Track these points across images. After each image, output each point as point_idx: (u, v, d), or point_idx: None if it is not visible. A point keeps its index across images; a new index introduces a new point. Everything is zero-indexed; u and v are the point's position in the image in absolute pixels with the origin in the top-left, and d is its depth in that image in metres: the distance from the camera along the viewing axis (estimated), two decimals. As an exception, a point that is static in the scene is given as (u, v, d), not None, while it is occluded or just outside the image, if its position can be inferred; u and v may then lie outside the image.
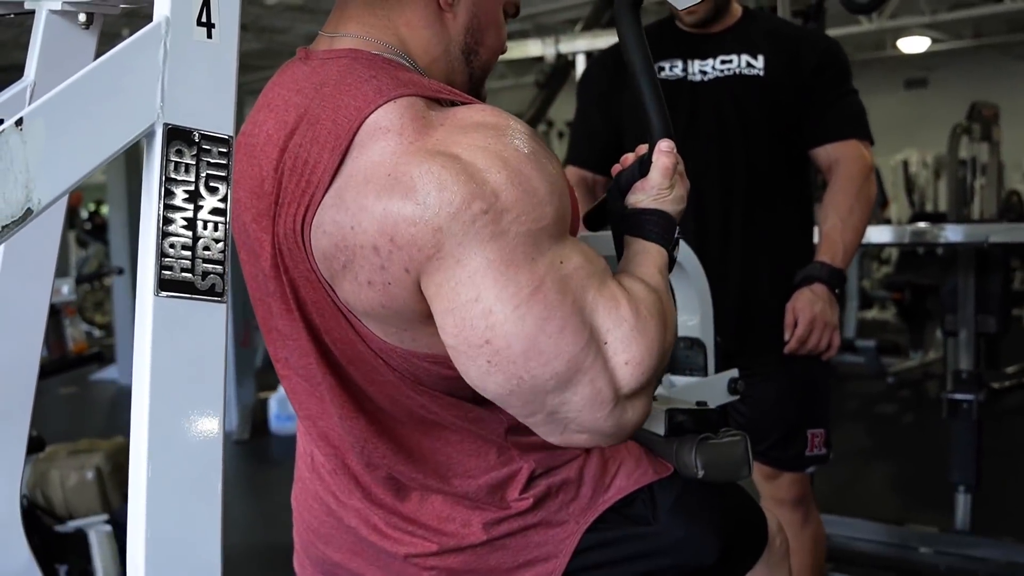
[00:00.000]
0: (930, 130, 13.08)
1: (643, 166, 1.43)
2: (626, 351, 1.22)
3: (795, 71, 2.50)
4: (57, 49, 1.38)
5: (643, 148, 1.46)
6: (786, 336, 2.40)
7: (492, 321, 1.17)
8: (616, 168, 1.49)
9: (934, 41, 14.79)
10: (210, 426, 1.01)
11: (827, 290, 2.40)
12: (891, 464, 5.33)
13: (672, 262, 1.42)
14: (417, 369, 1.31)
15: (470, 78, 1.43)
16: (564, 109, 6.47)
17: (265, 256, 1.32)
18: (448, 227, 1.15)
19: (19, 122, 0.93)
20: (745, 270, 2.52)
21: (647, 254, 1.37)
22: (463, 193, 1.15)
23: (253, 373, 6.36)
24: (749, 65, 2.50)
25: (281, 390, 6.10)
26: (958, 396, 3.59)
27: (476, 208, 1.15)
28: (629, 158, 1.48)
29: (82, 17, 1.36)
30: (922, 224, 3.75)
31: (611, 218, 1.47)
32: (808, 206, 2.69)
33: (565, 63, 5.81)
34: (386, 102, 1.21)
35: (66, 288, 4.30)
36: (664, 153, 1.41)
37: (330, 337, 1.32)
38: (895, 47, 14.82)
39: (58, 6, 1.34)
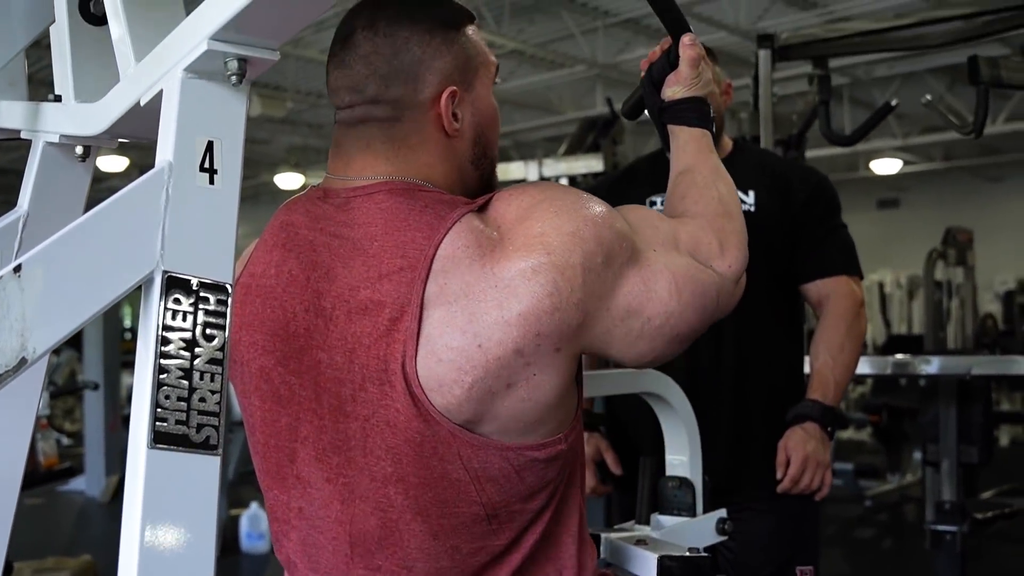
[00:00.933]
0: (903, 249, 13.29)
1: (671, 59, 1.60)
2: (724, 260, 1.44)
3: (785, 206, 2.52)
4: (52, 180, 1.37)
5: (668, 41, 1.62)
6: (779, 475, 2.38)
7: (673, 321, 1.35)
8: (644, 63, 1.67)
9: (906, 163, 15.11)
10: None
11: (819, 429, 2.38)
12: (872, 592, 5.27)
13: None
14: (522, 462, 1.30)
15: (480, 179, 1.47)
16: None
17: (299, 401, 1.32)
18: (585, 294, 1.26)
19: (17, 269, 0.91)
20: (737, 406, 2.50)
21: (695, 140, 1.58)
22: (579, 257, 1.26)
23: (224, 489, 6.25)
24: (740, 201, 2.52)
25: (253, 507, 6.00)
26: (941, 527, 3.56)
27: (598, 263, 1.27)
28: (656, 52, 1.65)
29: (79, 150, 1.35)
30: (903, 356, 3.75)
31: (650, 110, 1.65)
32: (799, 340, 2.69)
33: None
34: (452, 225, 1.26)
35: (40, 402, 4.23)
36: (689, 46, 1.58)
37: (403, 471, 1.29)
38: (868, 168, 15.12)
39: (55, 139, 1.33)
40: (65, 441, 10.00)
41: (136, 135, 1.24)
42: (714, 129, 1.62)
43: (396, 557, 1.31)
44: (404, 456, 1.27)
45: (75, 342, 9.83)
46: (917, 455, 7.38)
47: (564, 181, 5.62)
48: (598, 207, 1.33)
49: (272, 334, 1.33)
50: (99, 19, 1.29)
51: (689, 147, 1.57)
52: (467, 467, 1.27)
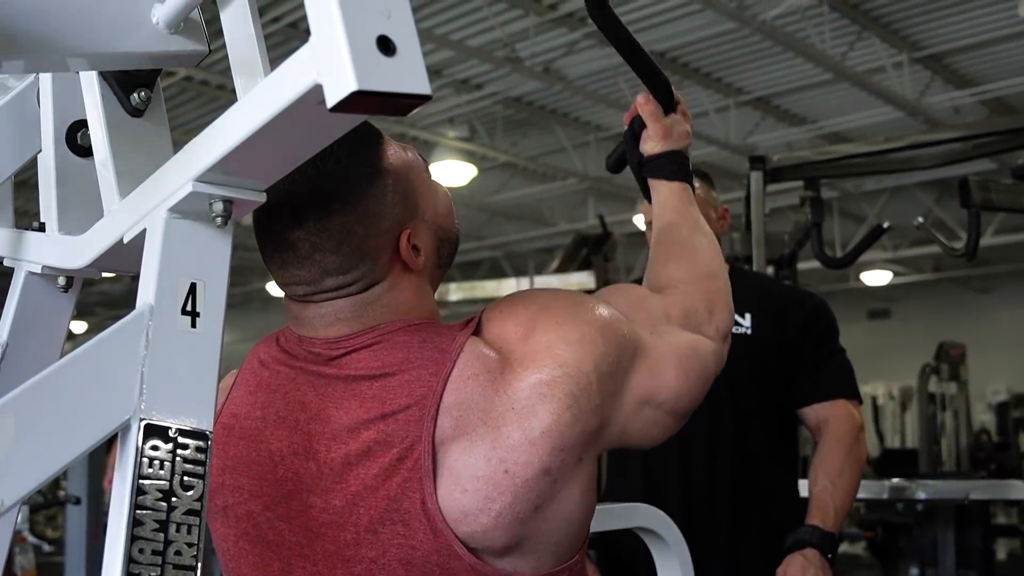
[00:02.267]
0: (895, 360, 13.26)
1: None
2: (711, 324, 1.45)
3: (782, 331, 2.51)
4: (33, 310, 1.34)
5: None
6: None
7: (680, 405, 1.37)
8: (627, 116, 1.68)
9: (896, 274, 15.17)
10: None
11: (819, 555, 2.33)
12: None
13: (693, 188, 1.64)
14: None
15: (440, 267, 1.42)
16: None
17: (292, 545, 1.27)
18: (601, 397, 1.25)
19: (-13, 418, 0.88)
20: (733, 533, 2.46)
21: (675, 195, 1.60)
22: (590, 363, 1.24)
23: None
24: (736, 324, 2.51)
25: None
26: (943, 658, 3.48)
27: (608, 365, 1.25)
28: (640, 103, 1.65)
29: (61, 281, 1.32)
30: (898, 480, 3.70)
31: (631, 165, 1.68)
32: (794, 465, 2.65)
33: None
34: (458, 357, 1.22)
35: (19, 516, 4.15)
36: (642, 104, 1.62)
37: None
38: (859, 280, 15.18)
39: (37, 269, 1.31)
40: (47, 548, 9.84)
41: (119, 269, 1.22)
42: (694, 181, 1.65)
43: None
44: None
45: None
46: (914, 571, 7.27)
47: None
48: (594, 307, 1.32)
49: (259, 478, 1.29)
50: (86, 151, 1.28)
51: (669, 202, 1.59)
52: None
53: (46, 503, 6.57)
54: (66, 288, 1.34)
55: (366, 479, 1.23)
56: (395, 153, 1.34)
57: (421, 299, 1.36)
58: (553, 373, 1.22)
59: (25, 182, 1.42)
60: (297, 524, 1.27)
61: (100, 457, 7.52)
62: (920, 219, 3.48)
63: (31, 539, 5.42)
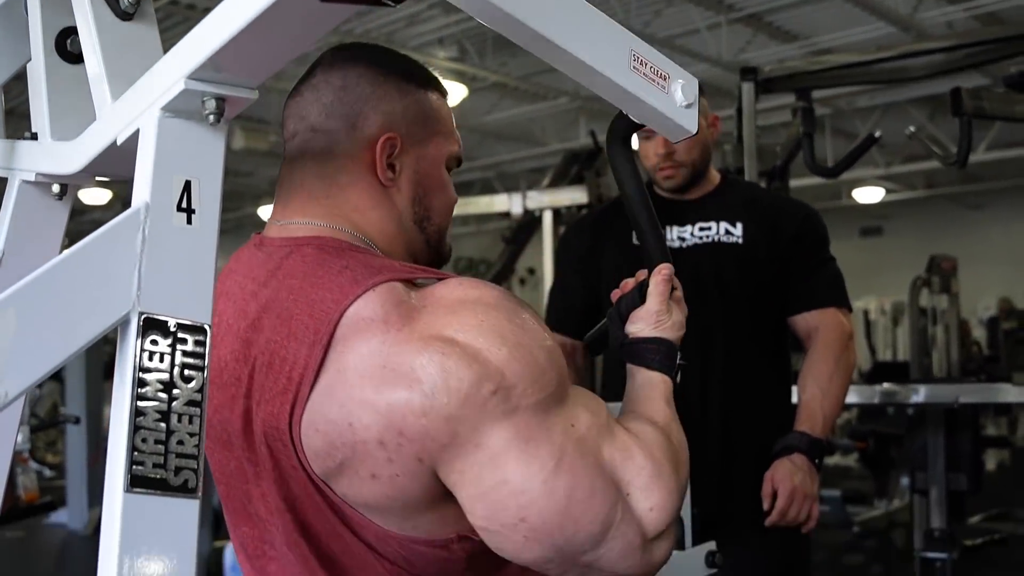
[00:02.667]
0: (887, 276, 13.32)
1: (642, 292, 1.46)
2: (648, 498, 1.22)
3: (774, 240, 2.53)
4: (29, 219, 1.35)
5: (643, 274, 1.49)
6: (765, 506, 2.37)
7: (524, 501, 1.15)
8: (616, 294, 1.51)
9: (888, 191, 15.18)
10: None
11: (807, 461, 2.37)
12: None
13: (676, 387, 1.43)
14: (412, 554, 1.26)
15: (427, 244, 1.42)
16: (524, 257, 6.53)
17: (238, 447, 1.28)
18: (460, 414, 1.14)
19: (-11, 312, 0.89)
20: (725, 438, 2.50)
21: (652, 386, 1.39)
22: (469, 377, 1.14)
23: (208, 520, 6.20)
24: (728, 232, 2.52)
25: (238, 541, 5.93)
26: (931, 555, 3.55)
27: (486, 390, 1.14)
28: (629, 284, 1.50)
29: (56, 188, 1.33)
30: (889, 385, 3.75)
31: (613, 345, 1.49)
32: (786, 372, 2.68)
33: (532, 218, 5.87)
34: (365, 291, 1.19)
35: (20, 437, 4.20)
36: (660, 279, 1.44)
37: (315, 530, 1.27)
38: (851, 197, 15.19)
39: (31, 177, 1.31)
40: (47, 473, 9.93)
41: (113, 173, 1.23)
42: (678, 379, 1.43)
43: None
44: (308, 504, 1.25)
45: (57, 375, 9.79)
46: (904, 481, 7.38)
47: (548, 213, 5.63)
48: (540, 343, 1.20)
49: (211, 382, 1.31)
50: (76, 57, 1.28)
51: (644, 394, 1.38)
52: (362, 539, 1.26)
53: (45, 424, 6.61)
54: (60, 196, 1.35)
55: (266, 391, 1.24)
56: (445, 107, 1.41)
57: (377, 212, 1.35)
58: (431, 358, 1.14)
59: (12, 110, 1.42)
60: (238, 426, 1.29)
61: (98, 379, 7.58)
62: (912, 128, 3.48)
63: (32, 465, 5.48)
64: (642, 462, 1.22)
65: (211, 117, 1.01)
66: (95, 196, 12.54)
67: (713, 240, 2.53)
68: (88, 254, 0.95)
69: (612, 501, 1.19)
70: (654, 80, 1.32)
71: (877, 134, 3.51)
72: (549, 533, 1.16)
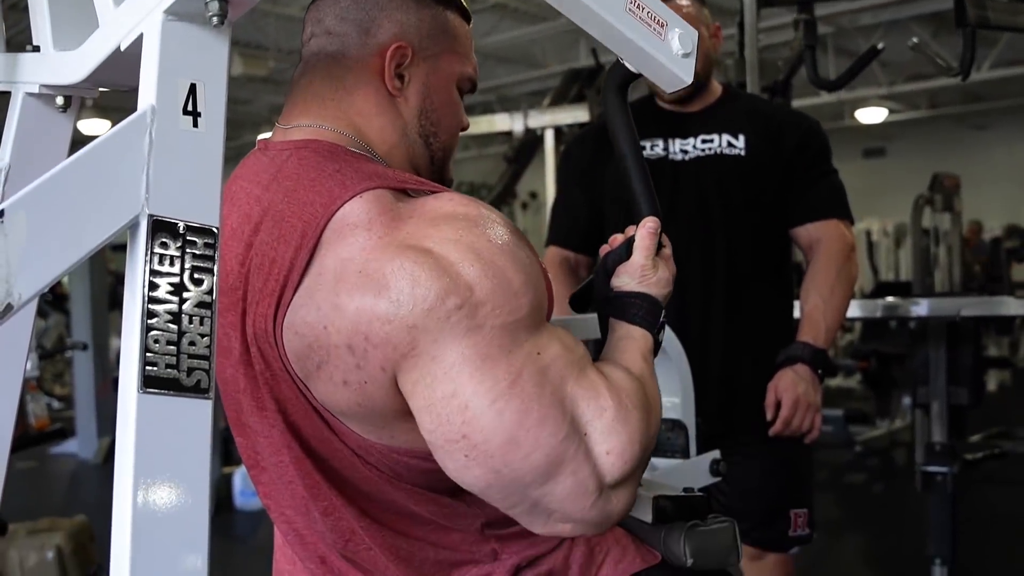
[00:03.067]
0: (889, 198, 13.29)
1: (629, 248, 1.43)
2: (606, 441, 1.19)
3: (776, 151, 2.51)
4: (33, 132, 1.35)
5: (632, 230, 1.45)
6: (768, 415, 2.39)
7: (468, 416, 1.14)
8: (604, 249, 1.47)
9: (891, 112, 15.08)
10: (196, 527, 0.97)
11: (810, 371, 2.38)
12: (865, 536, 5.30)
13: (657, 346, 1.40)
14: (396, 464, 1.28)
15: (431, 160, 1.42)
16: (526, 181, 6.51)
17: (235, 353, 1.30)
18: (423, 324, 1.13)
19: (0, 214, 0.90)
20: (727, 350, 2.50)
21: (631, 339, 1.35)
22: (436, 288, 1.13)
23: (217, 446, 6.27)
24: (730, 144, 2.51)
25: (246, 465, 5.99)
26: (932, 468, 3.58)
27: (451, 304, 1.13)
28: (618, 239, 1.46)
29: (59, 100, 1.33)
30: (892, 298, 3.76)
31: (597, 300, 1.46)
32: (788, 285, 2.69)
33: (533, 137, 5.84)
34: (353, 196, 1.20)
35: (29, 364, 4.22)
36: (646, 233, 1.41)
37: (305, 433, 1.29)
38: (853, 118, 15.10)
39: (35, 89, 1.31)
40: (56, 405, 10.02)
41: (117, 82, 1.23)
42: (661, 337, 1.40)
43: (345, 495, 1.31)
44: (298, 408, 1.27)
45: (62, 306, 9.83)
46: (906, 401, 7.44)
47: (550, 132, 5.60)
48: (520, 267, 1.19)
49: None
50: (76, -36, 1.27)
51: (622, 346, 1.34)
52: (347, 445, 1.28)
53: (53, 351, 6.66)
54: (65, 108, 1.35)
55: (260, 290, 1.25)
56: (464, 30, 1.42)
57: (381, 119, 1.36)
58: (405, 265, 1.14)
59: (11, 40, 1.41)
60: (237, 332, 1.30)
61: (103, 308, 7.60)
62: (915, 39, 3.44)
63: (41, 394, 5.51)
64: (606, 403, 1.20)
65: (214, 19, 1.00)
66: (94, 127, 12.49)
67: (716, 152, 2.52)
68: (95, 158, 0.96)
69: (564, 435, 1.16)
70: (651, 26, 1.32)
71: (880, 46, 3.47)
72: (490, 455, 1.15)
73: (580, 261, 2.63)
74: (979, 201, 12.63)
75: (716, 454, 1.91)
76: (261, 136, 1.41)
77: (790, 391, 2.35)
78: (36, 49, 1.32)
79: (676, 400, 1.89)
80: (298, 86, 1.39)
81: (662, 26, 1.33)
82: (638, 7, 1.29)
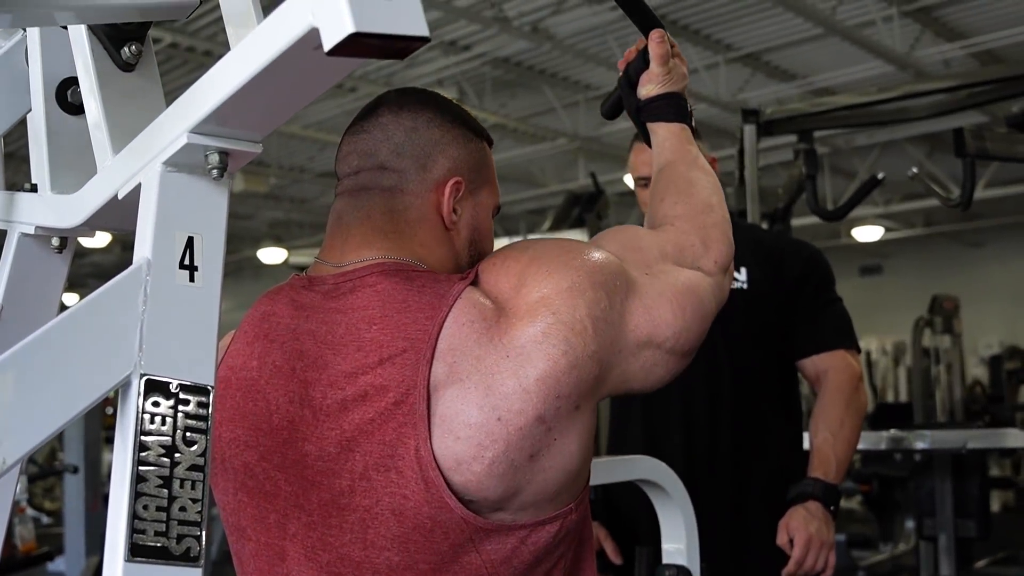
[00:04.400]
0: (887, 316, 13.30)
1: (645, 57, 1.62)
2: (708, 257, 1.44)
3: (779, 282, 2.50)
4: (27, 272, 1.32)
5: (642, 41, 1.63)
6: (785, 552, 2.32)
7: (683, 339, 1.34)
8: (622, 63, 1.67)
9: (887, 230, 15.17)
10: None
11: (822, 508, 2.33)
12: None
13: (693, 131, 1.64)
14: (521, 548, 1.25)
15: None
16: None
17: (287, 495, 1.27)
18: (598, 344, 1.24)
19: (-13, 375, 0.86)
20: (736, 487, 2.45)
21: (674, 135, 1.59)
22: (583, 312, 1.23)
23: (208, 572, 6.11)
24: (733, 279, 2.49)
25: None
26: (941, 603, 3.49)
27: (601, 309, 1.25)
28: (632, 52, 1.65)
29: (55, 241, 1.31)
30: (896, 431, 3.71)
31: (628, 110, 1.67)
32: (796, 417, 2.64)
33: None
34: (454, 302, 1.23)
35: (18, 487, 4.14)
36: (657, 43, 1.60)
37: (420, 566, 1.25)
38: (850, 236, 15.18)
39: (31, 230, 1.29)
40: (45, 520, 9.86)
41: (114, 227, 1.21)
42: (692, 122, 1.64)
43: None
44: (413, 544, 1.22)
45: (56, 421, 9.70)
46: (909, 524, 7.32)
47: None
48: (584, 253, 1.32)
49: (255, 428, 1.29)
50: (77, 108, 1.26)
51: (668, 143, 1.59)
52: (479, 551, 1.23)
53: (43, 473, 6.57)
54: (60, 249, 1.32)
55: (361, 423, 1.22)
56: (489, 150, 1.48)
57: (440, 251, 1.38)
58: (547, 321, 1.22)
59: (13, 154, 1.39)
60: (292, 473, 1.27)
61: (96, 427, 7.52)
62: (915, 169, 3.46)
63: (29, 511, 5.42)
64: (692, 241, 1.43)
65: (214, 171, 0.99)
66: (94, 240, 12.54)
67: None
68: (89, 313, 0.93)
69: (700, 283, 1.40)
70: None
71: (880, 176, 3.49)
72: (697, 335, 1.38)
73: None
74: (976, 319, 12.62)
75: (723, 599, 1.85)
76: (259, 271, 1.39)
77: (802, 530, 2.29)
78: (33, 188, 1.31)
79: (680, 546, 1.84)
80: (349, 219, 1.38)
81: None
82: None
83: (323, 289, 1.33)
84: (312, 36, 0.80)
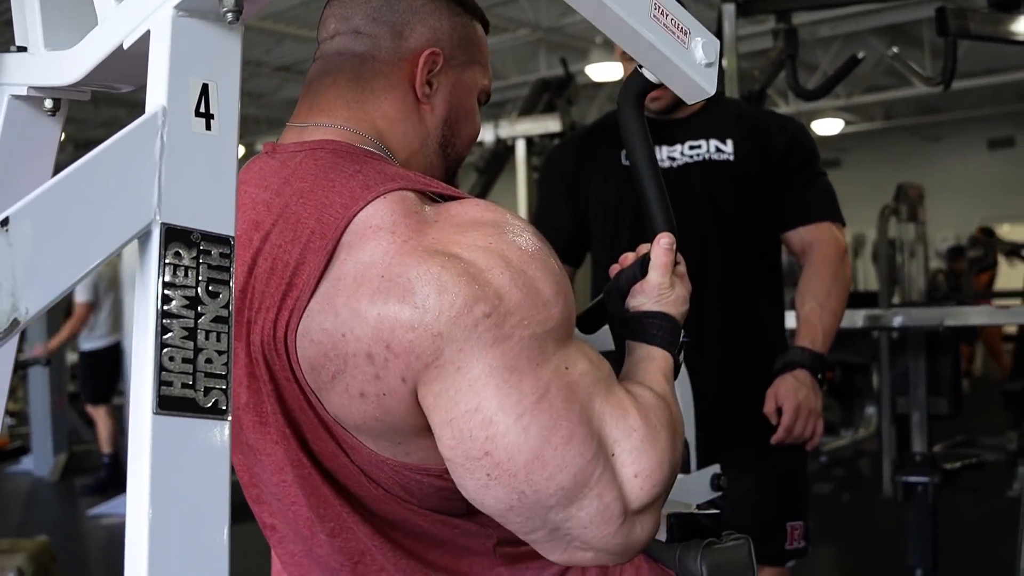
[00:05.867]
0: (846, 209, 13.36)
1: (644, 266, 1.38)
2: (635, 463, 1.13)
3: (764, 155, 2.49)
4: (20, 136, 1.27)
5: (645, 248, 1.41)
6: (771, 421, 2.35)
7: (492, 432, 1.08)
8: (615, 268, 1.43)
9: (847, 123, 15.20)
10: (215, 552, 0.90)
11: (810, 376, 2.35)
12: (839, 547, 5.28)
13: (678, 368, 1.35)
14: (407, 482, 1.21)
15: (445, 170, 1.38)
16: (496, 192, 6.47)
17: (238, 365, 1.22)
18: (449, 332, 1.07)
19: (4, 223, 0.83)
20: (722, 360, 2.47)
21: (652, 361, 1.30)
22: (465, 295, 1.07)
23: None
24: (718, 150, 2.48)
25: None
26: (912, 479, 3.56)
27: (479, 312, 1.07)
28: (629, 257, 1.42)
29: (48, 103, 1.26)
30: (871, 310, 3.75)
31: (611, 322, 1.41)
32: (779, 290, 2.65)
33: (504, 148, 5.80)
34: (375, 198, 1.14)
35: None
36: (662, 250, 1.37)
37: (312, 448, 1.22)
38: (810, 129, 15.20)
39: (23, 91, 1.24)
40: (9, 421, 9.84)
41: (112, 82, 1.17)
42: (681, 358, 1.38)
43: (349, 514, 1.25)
44: (305, 422, 1.20)
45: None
46: (870, 410, 7.47)
47: (521, 142, 5.56)
48: (550, 277, 1.14)
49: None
50: (68, -38, 1.20)
51: (642, 367, 1.29)
52: (355, 462, 1.21)
53: (13, 367, 6.50)
54: (54, 111, 1.28)
55: (266, 299, 1.19)
56: (481, 30, 1.41)
57: (404, 125, 1.32)
58: (431, 270, 1.08)
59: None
60: (240, 343, 1.23)
61: (58, 320, 7.46)
62: (895, 49, 3.44)
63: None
64: (635, 424, 1.14)
65: (228, 15, 0.95)
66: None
67: (704, 158, 2.48)
68: (104, 162, 0.89)
69: (592, 455, 1.10)
70: (674, 33, 1.28)
71: (861, 55, 3.47)
72: (514, 475, 1.08)
73: (566, 273, 2.59)
74: (934, 211, 12.75)
75: (716, 468, 1.87)
76: (266, 140, 1.36)
77: (791, 398, 2.32)
78: (21, 49, 1.25)
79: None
80: (317, 84, 1.33)
81: (685, 34, 1.29)
82: (662, 13, 1.25)
83: (281, 157, 1.29)
84: None
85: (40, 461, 7.94)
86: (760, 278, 2.56)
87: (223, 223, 0.94)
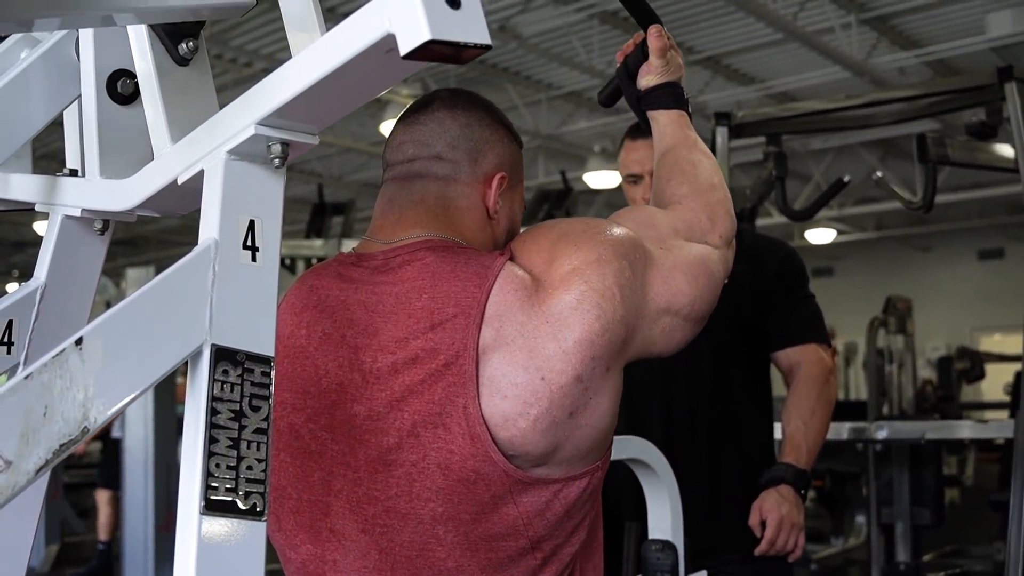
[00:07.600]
0: (838, 317, 13.51)
1: (645, 50, 1.75)
2: (714, 231, 1.59)
3: (756, 278, 2.61)
4: (70, 253, 1.40)
5: (640, 35, 1.76)
6: (756, 533, 2.44)
7: (698, 306, 1.51)
8: (620, 55, 1.79)
9: (839, 232, 15.41)
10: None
11: (793, 491, 2.45)
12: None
13: (689, 115, 1.76)
14: (555, 504, 1.37)
15: None
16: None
17: (334, 454, 1.37)
18: (626, 310, 1.37)
19: (79, 341, 0.95)
20: (712, 469, 2.56)
21: (675, 122, 1.72)
22: (610, 276, 1.36)
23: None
24: (734, 251, 2.60)
25: None
26: (897, 589, 3.63)
27: (627, 273, 1.39)
28: (630, 45, 1.78)
29: (98, 224, 1.39)
30: (856, 423, 3.86)
31: (628, 99, 1.80)
32: (768, 405, 2.76)
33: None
34: (498, 273, 1.36)
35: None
36: (656, 37, 1.73)
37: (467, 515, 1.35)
38: (803, 238, 15.40)
39: (76, 212, 1.37)
40: (0, 511, 9.75)
41: (166, 210, 1.29)
42: (690, 109, 1.76)
43: None
44: (457, 496, 1.33)
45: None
46: (860, 519, 7.49)
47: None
48: (607, 228, 1.45)
49: (302, 392, 1.39)
50: (124, 99, 1.33)
51: (669, 129, 1.71)
52: (516, 502, 1.34)
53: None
54: (102, 231, 1.40)
55: (412, 384, 1.34)
56: (522, 157, 1.63)
57: (482, 236, 1.51)
58: (580, 289, 1.34)
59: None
60: (339, 433, 1.38)
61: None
62: (879, 173, 3.60)
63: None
64: (699, 218, 1.58)
65: (276, 161, 1.07)
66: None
67: None
68: (165, 288, 1.01)
69: (709, 256, 1.55)
70: None
71: (846, 179, 3.62)
72: (709, 302, 1.56)
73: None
74: (925, 322, 12.87)
75: (703, 574, 1.96)
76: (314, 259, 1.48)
77: (774, 512, 2.41)
78: (73, 173, 1.39)
79: (666, 523, 1.95)
80: (401, 199, 1.51)
81: None
82: None
83: (372, 264, 1.46)
84: (387, 41, 0.89)
85: (33, 551, 7.91)
86: (750, 389, 2.67)
87: (265, 344, 1.06)
